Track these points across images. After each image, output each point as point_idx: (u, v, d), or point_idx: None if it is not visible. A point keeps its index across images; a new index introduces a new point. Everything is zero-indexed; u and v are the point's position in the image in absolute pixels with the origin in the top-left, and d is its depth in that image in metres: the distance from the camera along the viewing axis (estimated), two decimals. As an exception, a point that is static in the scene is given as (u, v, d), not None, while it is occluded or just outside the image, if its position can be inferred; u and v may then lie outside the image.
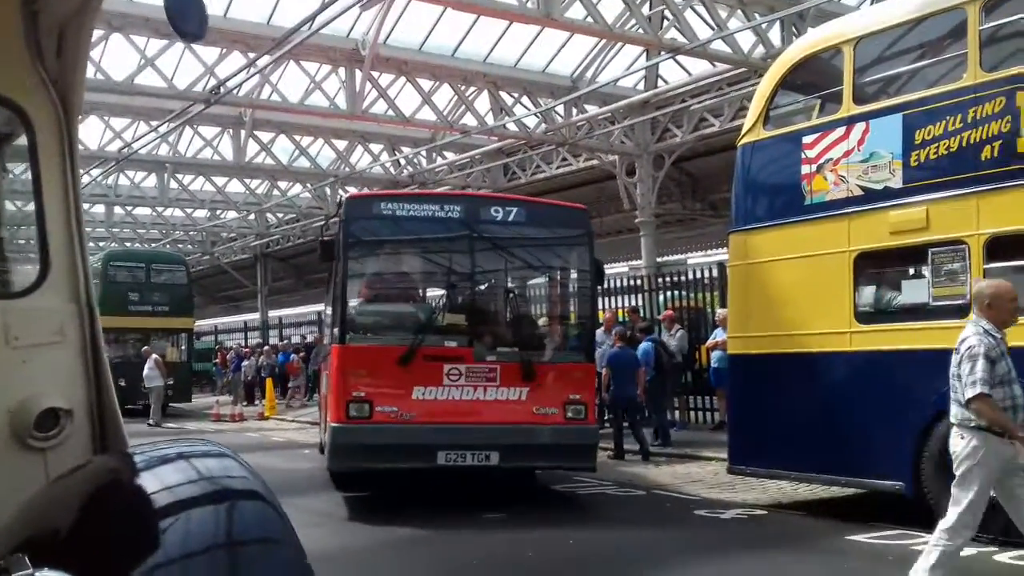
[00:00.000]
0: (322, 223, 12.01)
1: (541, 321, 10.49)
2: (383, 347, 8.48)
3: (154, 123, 18.02)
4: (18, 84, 2.37)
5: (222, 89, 13.80)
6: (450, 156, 22.82)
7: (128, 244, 31.31)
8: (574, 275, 9.76)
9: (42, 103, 2.40)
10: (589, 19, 12.90)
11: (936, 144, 7.13)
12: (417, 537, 7.51)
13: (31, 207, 2.44)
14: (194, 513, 1.77)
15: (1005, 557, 6.34)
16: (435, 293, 9.81)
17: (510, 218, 8.85)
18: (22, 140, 2.43)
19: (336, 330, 8.84)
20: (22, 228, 2.75)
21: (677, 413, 14.91)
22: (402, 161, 23.57)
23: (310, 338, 28.75)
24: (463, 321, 8.98)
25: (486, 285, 9.86)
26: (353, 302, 8.85)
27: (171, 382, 21.88)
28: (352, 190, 24.80)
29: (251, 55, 13.90)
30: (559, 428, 8.42)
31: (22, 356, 2.34)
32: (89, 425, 2.42)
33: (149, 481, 1.90)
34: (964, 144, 6.95)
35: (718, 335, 13.27)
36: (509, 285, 10.21)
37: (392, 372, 8.22)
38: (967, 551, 6.51)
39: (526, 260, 9.98)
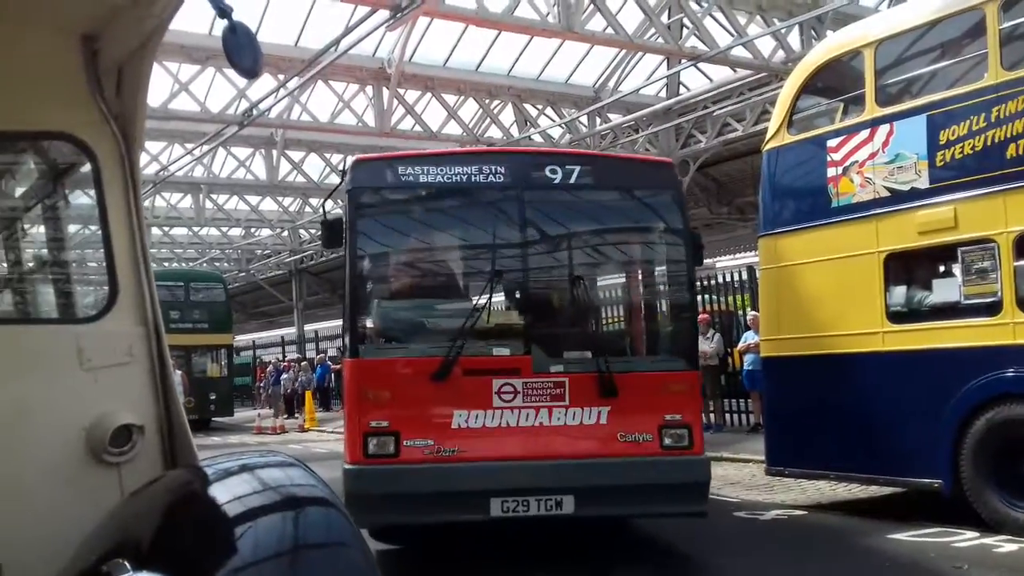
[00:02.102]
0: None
1: (622, 317, 8.50)
2: (410, 359, 6.44)
3: (189, 145, 18.39)
4: (81, 120, 2.51)
5: (254, 111, 14.10)
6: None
7: (166, 264, 31.80)
8: (663, 253, 7.42)
9: (104, 137, 2.53)
10: (610, 30, 13.04)
11: (961, 144, 7.19)
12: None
13: (99, 235, 2.57)
14: (267, 520, 1.91)
15: (1007, 548, 6.42)
16: (477, 284, 7.18)
17: (573, 179, 6.74)
18: (87, 170, 2.56)
19: (347, 339, 6.78)
20: (92, 256, 2.92)
21: (713, 416, 14.93)
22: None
23: (345, 352, 28.87)
24: (516, 320, 6.88)
25: (545, 271, 7.28)
26: (368, 300, 6.82)
27: (191, 398, 22.08)
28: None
29: (281, 77, 14.19)
30: (655, 461, 6.36)
31: (95, 377, 2.46)
32: (159, 440, 2.56)
33: (224, 491, 2.05)
34: (989, 143, 7.00)
35: (749, 338, 13.33)
36: (576, 270, 7.25)
37: (424, 393, 6.25)
38: (967, 542, 6.59)
39: (598, 235, 7.53)
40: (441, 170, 6.69)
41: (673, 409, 6.46)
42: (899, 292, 7.73)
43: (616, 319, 8.89)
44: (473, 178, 6.69)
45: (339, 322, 33.81)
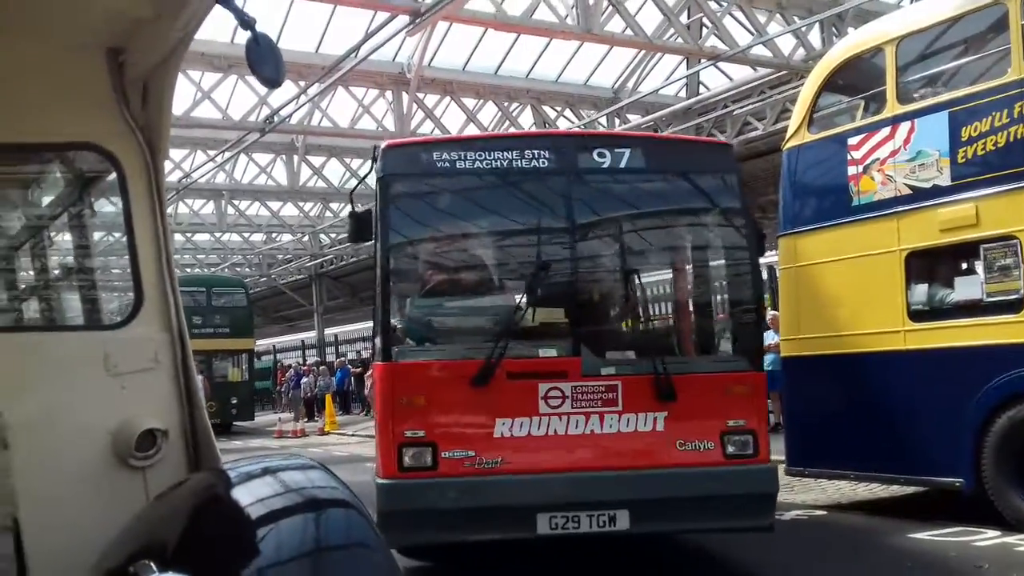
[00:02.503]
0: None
1: (678, 312, 7.77)
2: (448, 362, 5.92)
3: (211, 152, 18.56)
4: (107, 130, 2.56)
5: (275, 118, 14.22)
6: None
7: (188, 269, 32.10)
8: (723, 242, 6.71)
9: (130, 147, 2.58)
10: (628, 31, 13.04)
11: (983, 140, 7.13)
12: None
13: (124, 243, 2.62)
14: (290, 522, 1.95)
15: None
16: (520, 279, 6.60)
17: (624, 162, 6.18)
18: (113, 179, 2.62)
19: (379, 340, 6.10)
20: (117, 263, 2.98)
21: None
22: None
23: (365, 354, 29.15)
24: (563, 318, 6.23)
25: (594, 264, 6.72)
26: (401, 298, 6.33)
27: (212, 403, 22.28)
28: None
29: (302, 83, 14.30)
30: (718, 471, 5.84)
31: (121, 382, 2.51)
32: (184, 444, 2.61)
33: (247, 494, 2.09)
34: (1012, 139, 6.94)
35: (769, 338, 13.25)
36: (628, 262, 6.71)
37: (463, 398, 5.76)
38: (988, 541, 6.54)
39: (651, 224, 6.94)
40: (480, 155, 6.12)
41: (737, 414, 5.90)
42: (920, 290, 7.67)
43: (672, 315, 8.16)
44: (515, 163, 6.08)
45: (359, 326, 34.38)
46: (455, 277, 6.72)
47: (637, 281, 6.77)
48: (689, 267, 7.39)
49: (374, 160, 6.29)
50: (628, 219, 6.67)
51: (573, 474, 5.70)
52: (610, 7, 12.77)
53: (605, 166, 6.16)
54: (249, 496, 2.09)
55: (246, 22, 2.07)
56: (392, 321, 6.03)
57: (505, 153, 6.15)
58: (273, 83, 2.23)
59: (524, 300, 6.15)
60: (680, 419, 5.82)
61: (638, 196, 6.58)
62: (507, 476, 5.67)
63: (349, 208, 7.01)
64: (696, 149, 7.53)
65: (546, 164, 6.12)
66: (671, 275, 7.86)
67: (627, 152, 6.22)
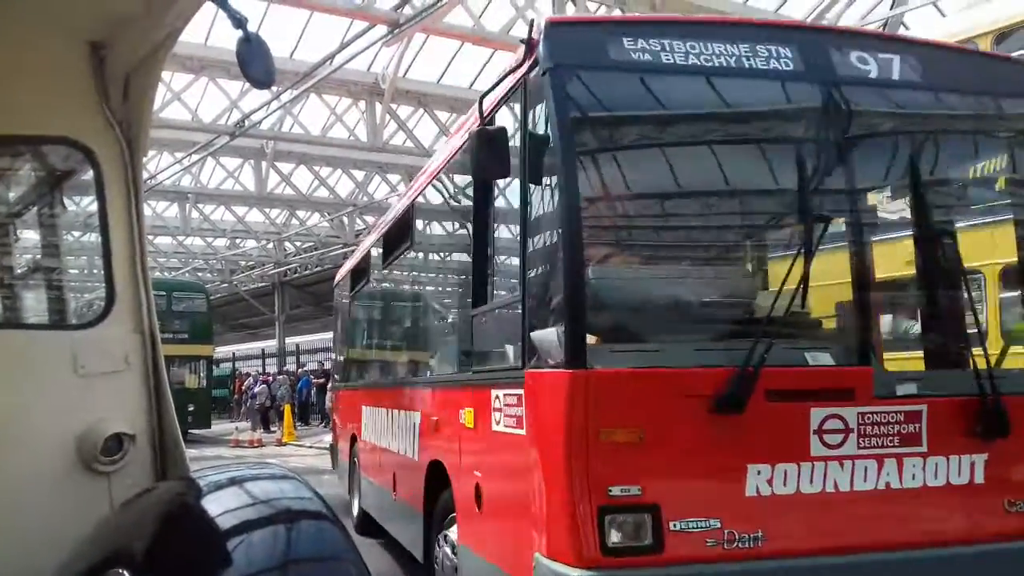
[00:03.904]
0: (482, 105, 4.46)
1: (1000, 299, 5.68)
2: (675, 372, 3.64)
3: (178, 154, 18.35)
4: (85, 126, 2.51)
5: (246, 122, 14.08)
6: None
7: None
8: None
9: (108, 143, 2.54)
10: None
11: None
12: None
13: (98, 241, 2.57)
14: (262, 533, 1.91)
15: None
16: (767, 244, 4.84)
17: (919, 75, 4.12)
18: (88, 176, 2.56)
19: (544, 333, 3.71)
20: (89, 261, 2.92)
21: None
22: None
23: (327, 364, 28.95)
24: (833, 310, 4.53)
25: (881, 224, 4.70)
26: (580, 268, 3.67)
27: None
28: (370, 220, 25.11)
29: (274, 89, 14.19)
30: None
31: (89, 384, 2.47)
32: (151, 450, 2.55)
33: (218, 504, 2.04)
34: None
35: None
36: (932, 221, 4.42)
37: (698, 431, 3.57)
38: None
39: (958, 166, 4.78)
40: (698, 47, 3.87)
41: None
42: None
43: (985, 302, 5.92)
44: (753, 63, 3.89)
45: (321, 336, 34.15)
46: (665, 237, 4.64)
47: (947, 250, 4.25)
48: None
49: (528, 49, 3.95)
50: (926, 158, 4.46)
51: (869, 556, 3.64)
52: (587, 28, 12.86)
53: (893, 78, 4.07)
54: (220, 506, 2.05)
55: (239, 20, 2.04)
56: (579, 300, 3.53)
57: (740, 48, 3.92)
58: (263, 84, 2.19)
59: (781, 275, 3.84)
60: (1010, 464, 3.87)
61: (932, 123, 4.46)
62: (775, 562, 3.55)
63: (472, 123, 4.68)
64: (1004, 67, 4.77)
65: (795, 66, 3.96)
66: (986, 244, 5.34)
67: (911, 61, 4.14)
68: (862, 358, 3.86)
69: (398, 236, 7.27)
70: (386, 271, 8.16)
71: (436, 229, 6.83)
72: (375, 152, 18.08)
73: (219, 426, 27.93)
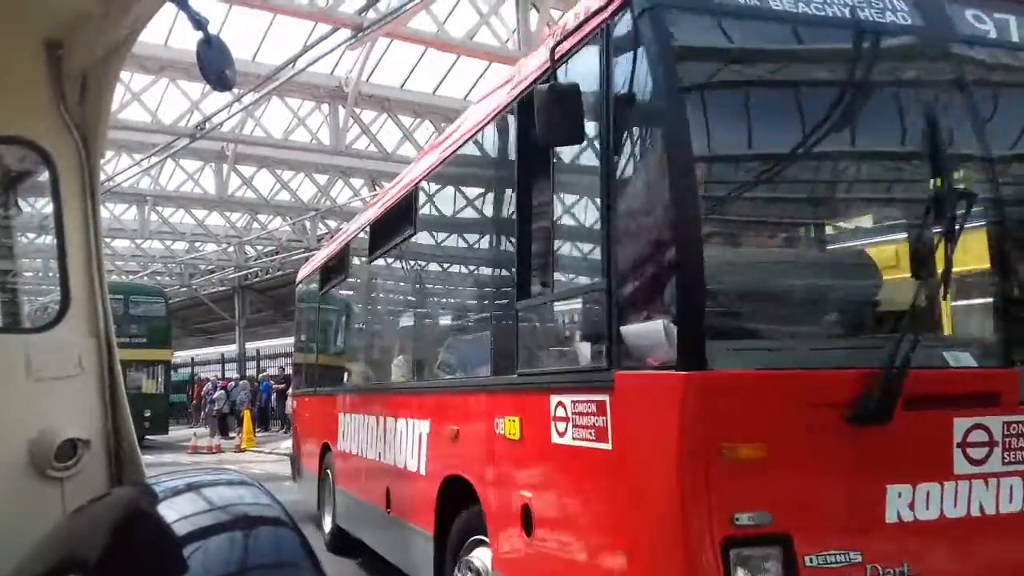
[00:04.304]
0: (523, 76, 4.18)
1: None
2: (801, 375, 3.06)
3: (137, 156, 18.09)
4: (41, 127, 2.48)
5: (207, 124, 13.94)
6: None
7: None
8: None
9: (64, 145, 2.50)
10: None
11: None
12: None
13: (53, 243, 2.53)
14: (218, 540, 1.89)
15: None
16: (899, 222, 4.04)
17: None
18: (44, 177, 2.53)
19: (646, 327, 3.17)
20: (44, 264, 2.87)
21: None
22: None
23: (288, 370, 28.71)
24: (982, 296, 3.79)
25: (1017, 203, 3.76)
26: (692, 244, 3.02)
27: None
28: (332, 224, 24.98)
29: (236, 91, 14.06)
30: None
31: (43, 388, 2.43)
32: (106, 455, 2.52)
33: (174, 510, 2.02)
34: None
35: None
36: None
37: (829, 446, 3.01)
38: None
39: None
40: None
41: None
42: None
43: None
44: (870, 14, 3.41)
45: (281, 341, 33.84)
46: (788, 209, 3.85)
47: None
48: None
49: (555, 55, 3.51)
50: None
51: None
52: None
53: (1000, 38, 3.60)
54: (175, 512, 2.02)
55: (199, 22, 2.02)
56: (693, 287, 2.94)
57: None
58: (224, 86, 2.18)
59: (917, 257, 3.47)
60: None
61: None
62: None
63: (515, 85, 4.20)
64: None
65: (927, 26, 3.50)
66: None
67: None
68: (1006, 358, 3.26)
69: (393, 223, 6.38)
70: (374, 263, 7.31)
71: (451, 211, 5.84)
72: (338, 156, 17.98)
73: (177, 432, 27.55)
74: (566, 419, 3.50)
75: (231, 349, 35.94)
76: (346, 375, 8.72)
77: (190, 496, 2.12)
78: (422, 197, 5.95)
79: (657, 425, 2.99)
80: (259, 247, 30.22)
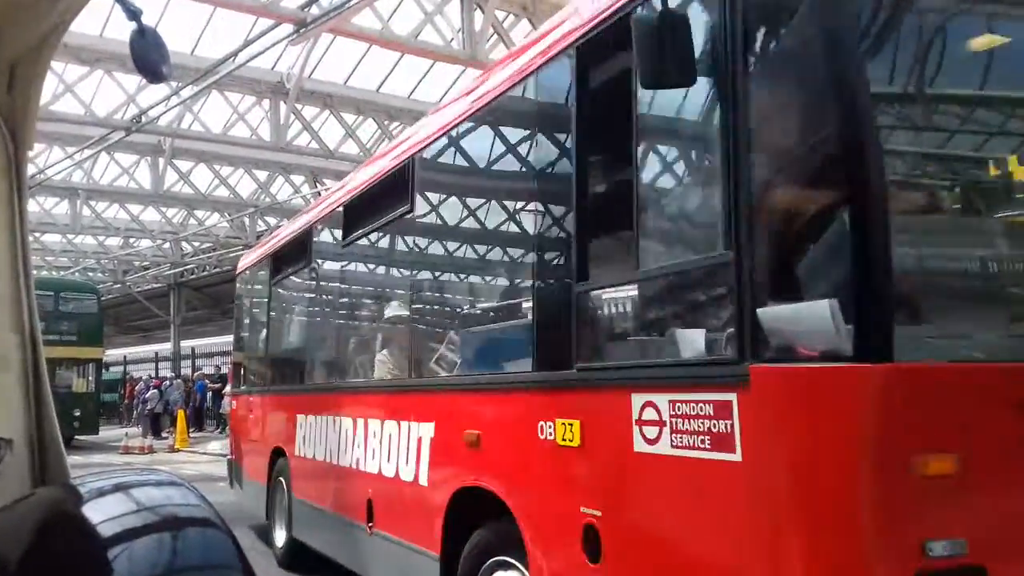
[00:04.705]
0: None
1: None
2: (997, 370, 2.52)
3: (70, 149, 17.62)
4: None
5: (143, 118, 13.64)
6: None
7: (36, 271, 30.25)
8: None
9: None
10: (513, 62, 13.23)
11: None
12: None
13: None
14: (145, 542, 1.84)
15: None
16: None
17: None
18: None
19: (801, 309, 2.47)
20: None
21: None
22: (323, 193, 23.51)
23: (224, 369, 28.28)
24: None
25: None
26: (875, 202, 2.38)
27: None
28: (272, 221, 24.65)
29: (174, 84, 13.79)
30: None
31: None
32: (29, 455, 2.44)
33: (101, 511, 1.96)
34: None
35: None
36: None
37: (1020, 456, 2.44)
38: None
39: None
40: None
41: None
42: None
43: None
44: None
45: (218, 339, 33.26)
46: (970, 170, 3.03)
47: None
48: None
49: None
50: None
51: None
52: (495, 35, 12.93)
53: None
54: (101, 513, 1.97)
55: (133, 12, 1.97)
56: (845, 254, 2.41)
57: None
58: (158, 78, 2.12)
59: None
60: None
61: None
62: None
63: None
64: None
65: None
66: None
67: None
68: None
69: (379, 200, 5.81)
70: (351, 246, 6.49)
71: (464, 182, 5.06)
72: (278, 152, 17.77)
73: (108, 432, 26.92)
74: (659, 422, 2.87)
75: (166, 348, 35.23)
76: (309, 372, 7.70)
77: (116, 497, 2.06)
78: (422, 168, 5.17)
79: (826, 431, 2.39)
80: (196, 244, 29.69)
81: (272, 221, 24.88)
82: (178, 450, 21.93)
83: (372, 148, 18.66)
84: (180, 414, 24.05)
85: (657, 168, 3.27)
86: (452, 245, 5.44)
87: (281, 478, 7.84)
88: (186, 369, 33.48)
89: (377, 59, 16.04)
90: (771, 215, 2.61)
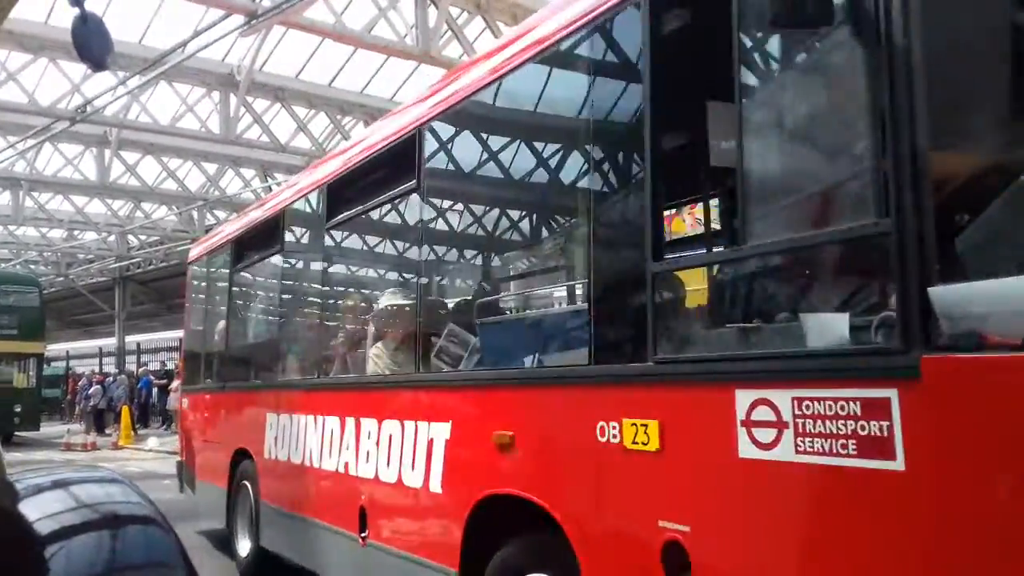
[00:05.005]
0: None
1: None
2: None
3: (12, 139, 17.17)
4: None
5: (88, 107, 13.33)
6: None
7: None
8: None
9: None
10: (465, 58, 13.21)
11: None
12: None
13: None
14: (84, 539, 1.82)
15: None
16: None
17: None
18: None
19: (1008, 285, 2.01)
20: None
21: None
22: (274, 187, 23.22)
23: (170, 365, 27.83)
24: None
25: None
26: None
27: None
28: (221, 215, 24.30)
29: (121, 74, 13.52)
30: None
31: None
32: None
33: (40, 508, 1.93)
34: None
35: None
36: None
37: None
38: None
39: None
40: None
41: None
42: None
43: None
44: None
45: (165, 334, 32.71)
46: None
47: None
48: None
49: None
50: None
51: None
52: (449, 32, 12.90)
53: None
54: (39, 511, 1.94)
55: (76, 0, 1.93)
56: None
57: None
58: (99, 66, 2.09)
59: None
60: None
61: None
62: None
63: None
64: None
65: None
66: None
67: None
68: None
69: (378, 178, 5.28)
70: (335, 230, 6.00)
71: (480, 154, 4.54)
72: (228, 145, 17.52)
73: (50, 428, 26.36)
74: (777, 423, 2.46)
75: (110, 343, 34.56)
76: (282, 368, 7.04)
77: (55, 494, 2.03)
78: (432, 140, 4.61)
79: None
80: (142, 237, 29.17)
81: (221, 215, 24.53)
82: (122, 447, 21.56)
83: (324, 143, 18.50)
84: (125, 410, 23.63)
85: (772, 115, 2.69)
86: (473, 219, 4.74)
87: (246, 482, 7.27)
88: (131, 365, 32.88)
89: (330, 53, 15.91)
90: (947, 171, 2.18)
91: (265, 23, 10.54)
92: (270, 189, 23.14)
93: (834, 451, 2.30)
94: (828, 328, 2.39)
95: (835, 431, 2.31)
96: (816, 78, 2.66)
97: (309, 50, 16.07)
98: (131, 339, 34.18)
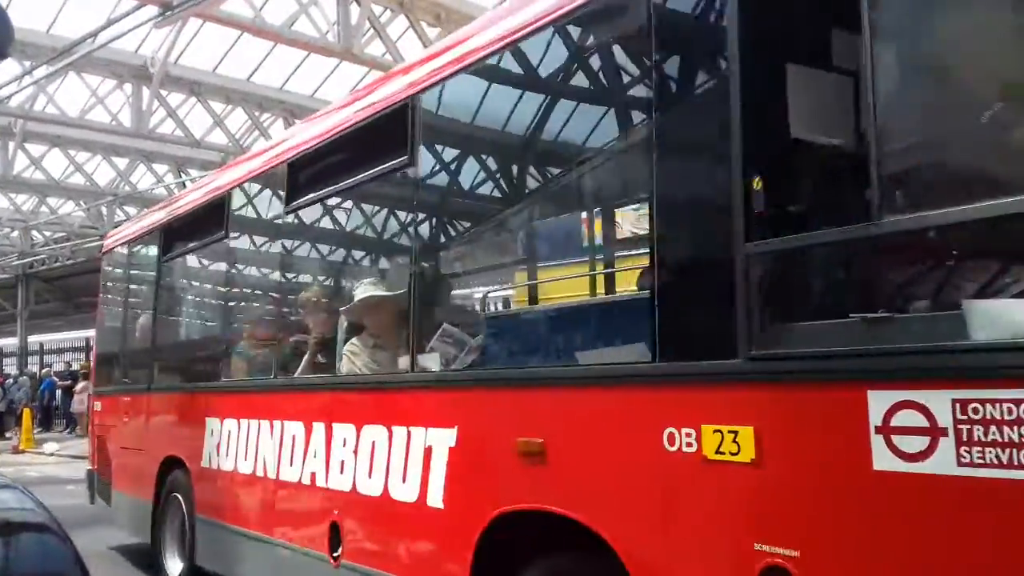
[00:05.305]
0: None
1: None
2: None
3: (-95, 126, 16.40)
4: None
5: (-10, 96, 12.81)
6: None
7: None
8: None
9: None
10: (388, 56, 13.12)
11: None
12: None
13: None
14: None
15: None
16: None
17: None
18: None
19: None
20: None
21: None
22: (188, 184, 22.68)
23: (75, 366, 26.92)
24: None
25: None
26: None
27: None
28: (132, 211, 23.59)
29: (27, 64, 13.01)
30: None
31: None
32: None
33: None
34: None
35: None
36: None
37: None
38: None
39: None
40: None
41: None
42: None
43: None
44: None
45: (70, 334, 31.59)
46: None
47: None
48: None
49: None
50: None
51: None
52: (371, 30, 12.79)
53: None
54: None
55: (-29, -22, 1.83)
56: None
57: None
58: (0, 54, 1.99)
59: None
60: None
61: None
62: None
63: None
64: None
65: None
66: None
67: None
68: None
69: (358, 153, 4.67)
70: (302, 212, 5.33)
71: (517, 104, 3.86)
72: (140, 139, 17.04)
73: (-57, 432, 25.18)
74: (931, 430, 2.05)
75: (11, 343, 33.23)
76: (225, 368, 6.36)
77: (-58, 500, 1.92)
78: (427, 107, 4.07)
79: None
80: (48, 233, 28.15)
81: (132, 211, 23.80)
82: (23, 451, 20.78)
83: (241, 139, 18.13)
84: (26, 413, 22.74)
85: (915, 50, 2.23)
86: (487, 194, 4.17)
87: (176, 493, 6.59)
88: (34, 366, 31.65)
89: (248, 47, 15.62)
90: None
91: (180, 15, 10.27)
92: (184, 185, 22.59)
93: (1016, 463, 1.88)
94: (998, 317, 1.97)
95: (1015, 439, 1.89)
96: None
97: (227, 44, 15.75)
98: (34, 339, 32.94)
